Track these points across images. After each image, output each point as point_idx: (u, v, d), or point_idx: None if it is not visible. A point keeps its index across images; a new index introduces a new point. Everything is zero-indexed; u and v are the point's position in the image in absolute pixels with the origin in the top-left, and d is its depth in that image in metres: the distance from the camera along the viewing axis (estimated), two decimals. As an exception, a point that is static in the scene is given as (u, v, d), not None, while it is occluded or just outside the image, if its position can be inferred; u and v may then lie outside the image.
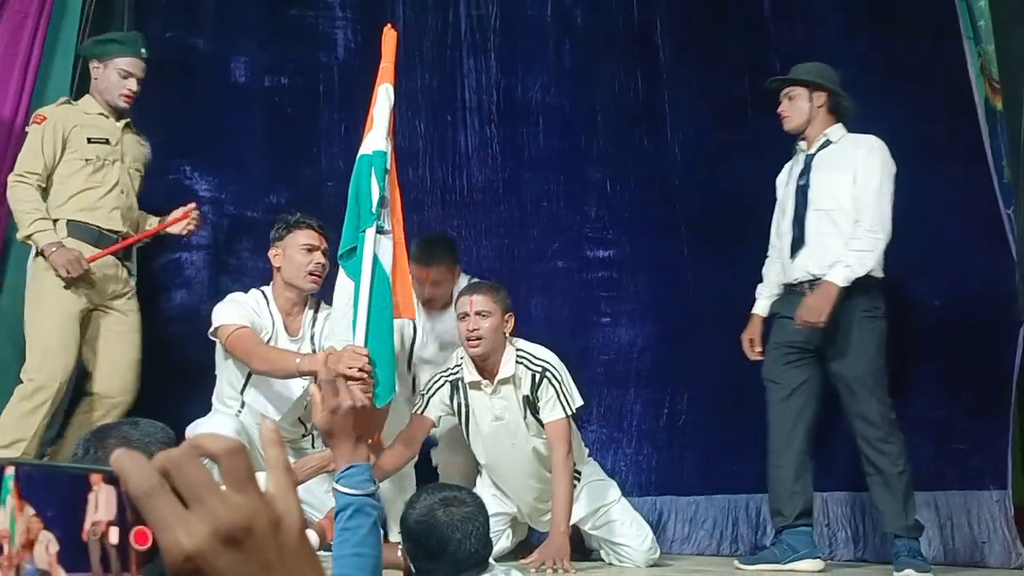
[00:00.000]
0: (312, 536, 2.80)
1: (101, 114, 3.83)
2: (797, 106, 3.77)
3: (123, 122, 3.87)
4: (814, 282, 3.62)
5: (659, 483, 4.38)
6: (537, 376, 3.49)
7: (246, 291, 3.73)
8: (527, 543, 3.87)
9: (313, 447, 3.71)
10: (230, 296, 3.62)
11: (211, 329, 3.54)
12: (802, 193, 3.74)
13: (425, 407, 3.60)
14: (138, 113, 4.02)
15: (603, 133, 4.76)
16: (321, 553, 2.18)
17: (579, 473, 3.67)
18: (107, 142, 3.79)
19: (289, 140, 4.80)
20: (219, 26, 4.86)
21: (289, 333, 3.60)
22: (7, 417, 3.60)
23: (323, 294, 3.64)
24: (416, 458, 3.72)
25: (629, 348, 4.56)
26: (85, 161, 3.72)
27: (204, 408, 4.07)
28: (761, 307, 3.94)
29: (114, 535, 0.63)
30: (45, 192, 3.70)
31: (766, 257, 4.00)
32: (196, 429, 3.42)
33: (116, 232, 3.78)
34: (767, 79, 3.92)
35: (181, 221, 3.95)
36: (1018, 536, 3.72)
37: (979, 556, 3.77)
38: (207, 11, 4.83)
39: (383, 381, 3.08)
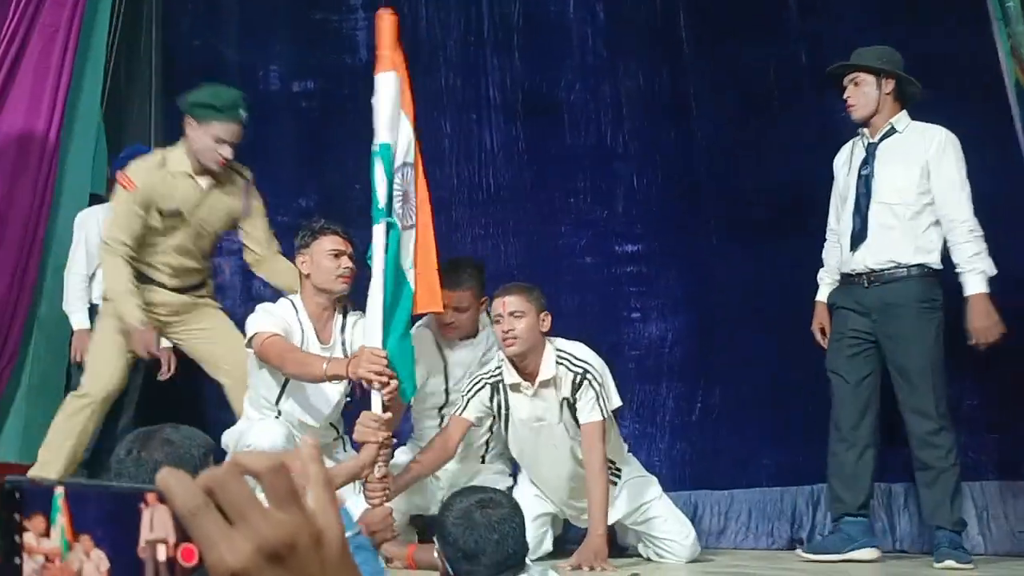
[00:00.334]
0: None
1: (188, 175, 3.69)
2: (865, 93, 3.64)
3: (208, 183, 3.72)
4: (871, 275, 3.60)
5: (693, 477, 4.37)
6: (578, 378, 3.47)
7: (277, 296, 3.76)
8: (562, 538, 3.88)
9: (345, 451, 3.73)
10: (261, 306, 3.62)
11: (245, 339, 3.58)
12: (865, 183, 3.65)
13: (464, 408, 3.59)
14: (169, 119, 4.03)
15: (628, 128, 4.74)
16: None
17: (619, 471, 3.65)
18: (179, 214, 3.71)
19: (317, 143, 4.84)
20: (245, 33, 4.92)
21: (321, 341, 3.61)
22: (56, 421, 3.74)
23: (354, 297, 3.66)
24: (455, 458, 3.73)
25: (660, 342, 4.55)
26: (151, 229, 3.70)
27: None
28: (824, 294, 3.89)
29: (162, 552, 0.65)
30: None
31: (798, 250, 4.00)
32: (246, 437, 3.44)
33: (163, 285, 3.78)
34: (792, 71, 3.88)
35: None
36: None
37: (1018, 546, 3.74)
38: (233, 19, 4.88)
39: (405, 378, 3.11)
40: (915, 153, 3.59)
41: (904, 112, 3.68)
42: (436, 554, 2.29)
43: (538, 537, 3.57)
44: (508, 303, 3.49)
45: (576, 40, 4.82)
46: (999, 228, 3.91)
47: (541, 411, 3.53)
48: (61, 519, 0.66)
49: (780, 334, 4.15)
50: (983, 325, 3.48)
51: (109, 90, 4.38)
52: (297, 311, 3.59)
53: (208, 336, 3.87)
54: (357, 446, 3.30)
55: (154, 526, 0.65)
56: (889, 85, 3.65)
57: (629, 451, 3.93)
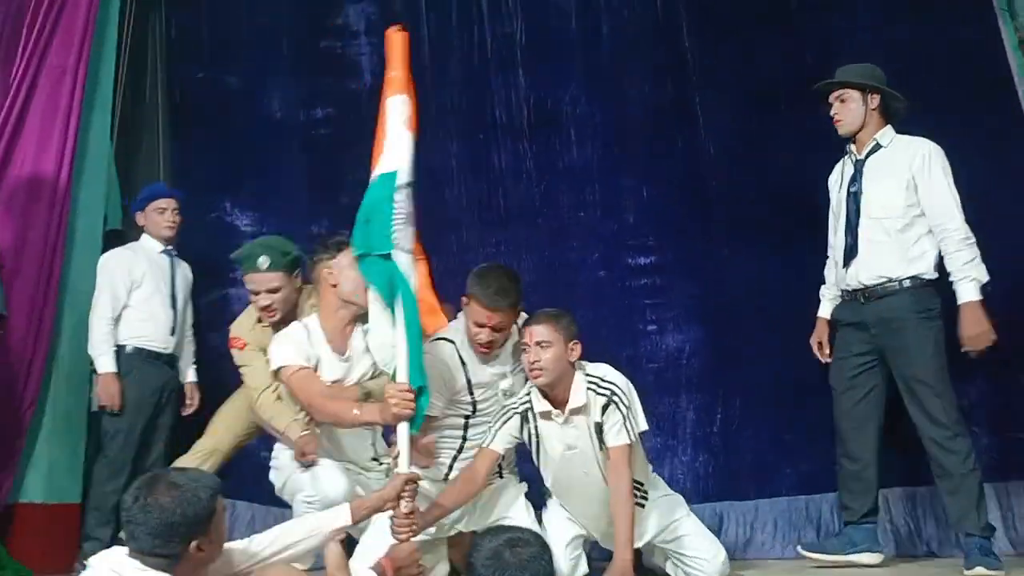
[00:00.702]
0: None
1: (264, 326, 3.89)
2: (851, 109, 3.73)
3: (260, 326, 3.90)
4: (866, 291, 3.66)
5: (717, 488, 4.35)
6: (605, 400, 3.40)
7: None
8: (588, 556, 3.85)
9: (386, 477, 3.67)
10: (282, 334, 3.60)
11: (272, 368, 3.58)
12: (854, 200, 3.73)
13: (492, 440, 3.49)
14: (177, 153, 4.05)
15: (636, 139, 4.73)
16: None
17: (646, 493, 3.58)
18: None
19: (326, 170, 4.84)
20: (250, 63, 4.95)
21: (337, 353, 3.61)
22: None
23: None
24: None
25: (678, 354, 4.53)
26: None
27: (259, 444, 4.16)
28: (825, 310, 3.96)
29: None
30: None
31: (812, 255, 3.99)
32: (310, 487, 3.46)
33: None
34: (799, 72, 3.88)
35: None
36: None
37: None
38: (238, 50, 4.91)
39: (421, 409, 3.07)
40: (901, 166, 3.65)
41: (889, 127, 3.75)
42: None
43: (573, 560, 3.54)
44: (535, 332, 3.40)
45: (579, 55, 4.82)
46: (1013, 221, 3.88)
47: (572, 438, 3.46)
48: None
49: (797, 341, 4.11)
50: (974, 333, 3.51)
51: (118, 128, 4.42)
52: (310, 333, 3.58)
53: None
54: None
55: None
56: (875, 101, 3.73)
57: (652, 467, 3.89)
